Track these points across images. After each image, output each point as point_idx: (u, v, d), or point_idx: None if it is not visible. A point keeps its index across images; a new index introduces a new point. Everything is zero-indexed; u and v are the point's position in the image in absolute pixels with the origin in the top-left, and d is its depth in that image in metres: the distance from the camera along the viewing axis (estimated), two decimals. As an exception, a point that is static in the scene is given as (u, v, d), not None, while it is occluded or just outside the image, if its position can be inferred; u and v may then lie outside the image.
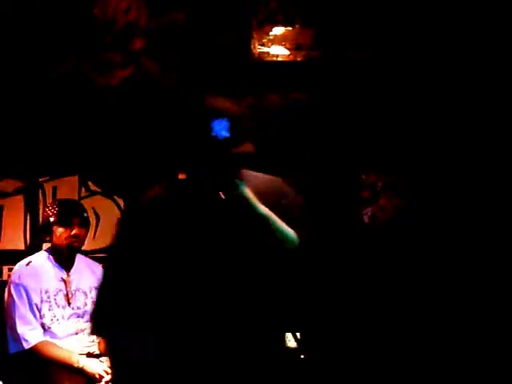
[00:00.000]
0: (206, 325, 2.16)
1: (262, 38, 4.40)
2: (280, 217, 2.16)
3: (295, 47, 4.40)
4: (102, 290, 2.29)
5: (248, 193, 2.12)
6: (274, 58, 4.42)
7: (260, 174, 2.27)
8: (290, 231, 2.17)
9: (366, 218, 4.31)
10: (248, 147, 2.13)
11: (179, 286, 2.17)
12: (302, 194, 2.32)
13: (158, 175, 2.30)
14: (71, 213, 3.66)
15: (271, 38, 4.40)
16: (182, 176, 2.21)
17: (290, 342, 3.44)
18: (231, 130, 2.08)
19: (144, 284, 2.19)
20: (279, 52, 4.42)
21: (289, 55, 4.42)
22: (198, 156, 2.12)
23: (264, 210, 2.14)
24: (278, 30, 4.41)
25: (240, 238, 2.18)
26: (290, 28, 4.40)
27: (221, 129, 2.07)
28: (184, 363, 2.18)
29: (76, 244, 3.64)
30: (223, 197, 2.12)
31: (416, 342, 4.07)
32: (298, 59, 4.40)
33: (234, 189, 2.11)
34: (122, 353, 2.24)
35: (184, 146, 2.15)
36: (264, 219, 2.14)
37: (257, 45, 4.40)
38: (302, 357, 3.47)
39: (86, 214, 3.74)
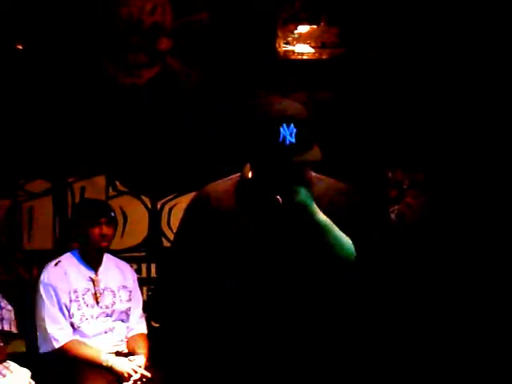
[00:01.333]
0: (260, 330, 2.17)
1: (287, 37, 4.40)
2: (341, 222, 2.13)
3: (320, 45, 4.39)
4: (163, 283, 2.33)
5: (308, 199, 2.09)
6: (299, 57, 4.41)
7: (328, 178, 2.25)
8: (348, 242, 2.14)
9: (392, 216, 4.29)
10: (315, 155, 2.09)
11: (233, 288, 2.18)
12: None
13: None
14: (99, 213, 3.69)
15: (296, 36, 4.40)
16: (247, 174, 2.18)
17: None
18: (298, 136, 2.04)
19: (200, 281, 2.21)
20: (304, 50, 4.42)
21: (314, 53, 4.41)
22: (262, 160, 2.09)
23: (323, 217, 2.11)
24: (302, 29, 4.41)
25: (296, 244, 2.15)
26: (315, 26, 4.40)
27: (288, 134, 2.03)
28: (241, 357, 2.20)
29: (104, 243, 3.67)
30: (280, 201, 2.09)
31: (444, 340, 4.05)
32: (323, 57, 4.39)
33: (294, 194, 2.07)
34: (179, 339, 2.27)
35: (251, 149, 2.12)
36: (322, 227, 2.11)
37: (282, 43, 4.40)
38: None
39: (113, 214, 3.77)
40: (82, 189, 4.41)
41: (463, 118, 4.23)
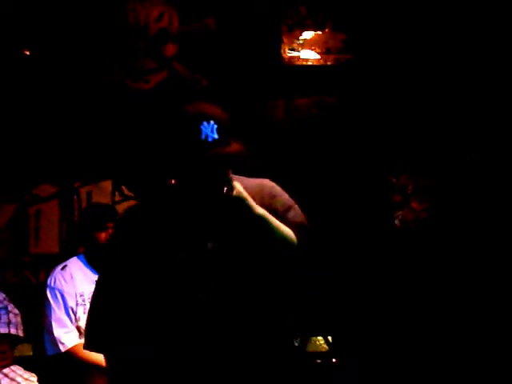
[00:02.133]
0: (208, 330, 2.16)
1: (292, 43, 4.42)
2: (276, 217, 2.16)
3: (325, 51, 4.42)
4: (96, 303, 2.28)
5: (244, 193, 2.13)
6: (304, 63, 4.43)
7: (246, 178, 2.28)
8: (288, 231, 2.18)
9: (397, 222, 4.30)
10: (237, 147, 2.13)
11: (177, 292, 2.17)
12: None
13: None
14: (105, 217, 3.71)
15: (301, 42, 4.42)
16: (171, 181, 2.21)
17: (322, 345, 3.46)
18: (219, 131, 2.09)
19: (140, 292, 2.19)
20: (309, 56, 4.44)
21: (319, 59, 4.43)
22: (188, 159, 2.11)
23: (260, 210, 2.15)
24: (307, 35, 4.43)
25: (238, 238, 2.17)
26: (320, 32, 4.42)
27: (209, 131, 2.08)
28: (186, 372, 2.18)
29: (110, 248, 3.69)
30: (226, 192, 2.11)
31: (451, 344, 4.06)
32: (328, 63, 4.41)
33: (231, 190, 2.10)
34: (122, 366, 2.25)
35: (173, 150, 2.13)
36: (261, 219, 2.14)
37: (287, 49, 4.42)
38: (334, 360, 3.49)
39: (119, 219, 3.79)
40: (89, 193, 4.43)
41: (468, 124, 4.24)
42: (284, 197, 2.29)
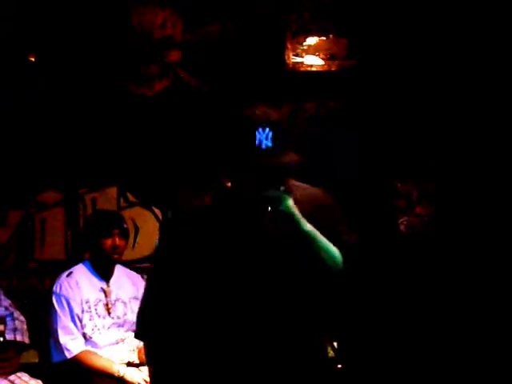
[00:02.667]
0: (248, 337, 2.15)
1: (296, 49, 4.43)
2: (323, 230, 2.11)
3: (329, 57, 4.42)
4: (148, 298, 2.27)
5: (294, 208, 2.07)
6: (308, 68, 4.44)
7: (305, 185, 2.24)
8: (335, 250, 2.13)
9: (401, 227, 4.30)
10: (292, 157, 2.08)
11: (221, 299, 2.15)
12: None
13: (199, 184, 2.29)
14: (111, 224, 3.72)
15: (305, 48, 4.43)
16: (228, 184, 2.19)
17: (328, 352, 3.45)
18: (274, 139, 2.04)
19: (187, 294, 2.17)
20: (313, 62, 4.45)
21: (323, 65, 4.44)
22: (242, 165, 2.08)
23: (309, 227, 2.09)
24: (311, 40, 4.44)
25: (284, 254, 2.13)
26: (324, 38, 4.43)
27: (264, 138, 2.04)
28: (225, 373, 2.18)
29: (116, 255, 3.69)
30: (270, 210, 2.06)
31: (458, 350, 4.05)
32: (332, 69, 4.42)
33: (281, 202, 2.05)
34: (163, 359, 2.25)
35: (228, 155, 2.11)
36: (309, 236, 2.09)
37: (291, 55, 4.43)
38: (339, 366, 3.48)
39: (125, 225, 3.79)
40: (94, 200, 4.44)
41: (474, 129, 4.24)
42: (336, 211, 2.24)
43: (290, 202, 2.07)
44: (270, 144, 2.04)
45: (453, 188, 4.24)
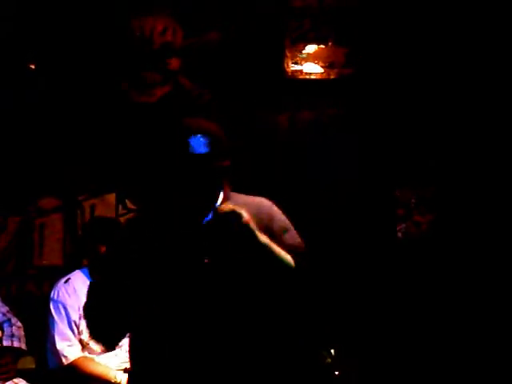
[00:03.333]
0: (202, 342, 2.15)
1: (296, 56, 4.44)
2: (273, 239, 2.15)
3: (328, 65, 4.43)
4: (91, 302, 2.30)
5: (251, 222, 2.09)
6: (308, 76, 4.44)
7: (244, 196, 2.28)
8: (287, 257, 2.16)
9: (399, 234, 4.31)
10: (226, 162, 2.14)
11: (173, 304, 2.18)
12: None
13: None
14: (109, 231, 3.72)
15: (304, 56, 4.44)
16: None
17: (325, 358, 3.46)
18: (209, 146, 2.10)
19: (136, 302, 2.20)
20: (312, 70, 4.45)
21: (322, 73, 4.44)
22: (172, 170, 2.13)
23: (264, 238, 2.12)
24: (310, 48, 4.45)
25: (234, 256, 2.16)
26: (323, 46, 4.43)
27: (198, 145, 2.10)
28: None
29: (113, 262, 3.69)
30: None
31: (454, 355, 4.05)
32: (331, 77, 4.43)
33: (239, 218, 2.06)
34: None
35: (161, 160, 2.16)
36: (264, 248, 2.12)
37: (290, 63, 4.44)
38: (337, 373, 3.49)
39: (123, 232, 3.79)
40: (92, 206, 4.45)
41: (472, 135, 4.25)
42: (281, 218, 2.28)
43: (246, 216, 2.08)
44: (202, 150, 2.09)
45: (451, 194, 4.24)
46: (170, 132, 2.16)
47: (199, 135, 2.11)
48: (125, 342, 3.64)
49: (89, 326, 2.30)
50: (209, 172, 2.12)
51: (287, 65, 4.42)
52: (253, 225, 2.09)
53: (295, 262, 2.17)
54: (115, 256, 2.28)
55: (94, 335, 2.30)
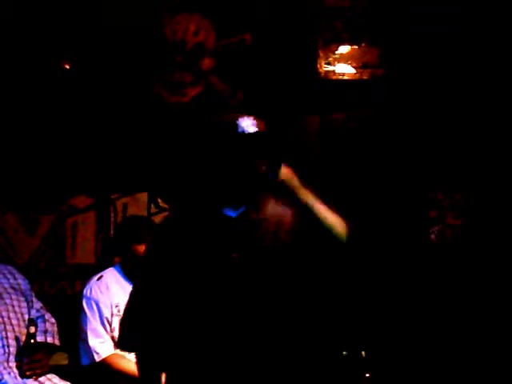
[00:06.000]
0: (236, 337, 2.18)
1: (328, 57, 4.43)
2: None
3: (361, 65, 4.41)
4: (131, 308, 2.34)
5: (290, 176, 2.14)
6: (340, 77, 4.43)
7: (277, 204, 2.28)
8: (338, 220, 2.18)
9: (432, 237, 4.27)
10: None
11: (208, 300, 2.20)
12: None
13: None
14: (142, 229, 3.74)
15: (337, 56, 4.43)
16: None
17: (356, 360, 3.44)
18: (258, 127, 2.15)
19: (173, 301, 2.23)
20: (345, 70, 4.44)
21: (355, 73, 4.43)
22: (225, 149, 2.17)
23: (309, 194, 2.16)
24: (343, 49, 4.43)
25: (266, 249, 2.19)
26: (356, 46, 4.42)
27: (245, 125, 2.16)
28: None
29: (146, 260, 3.71)
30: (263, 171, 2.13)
31: (492, 360, 4.01)
32: (364, 77, 4.41)
33: (278, 172, 2.11)
34: (151, 368, 2.28)
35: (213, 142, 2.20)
36: (308, 204, 2.15)
37: (323, 63, 4.43)
38: (368, 375, 3.47)
39: (155, 231, 3.81)
40: (125, 205, 4.48)
41: (507, 139, 4.21)
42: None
43: (287, 172, 2.14)
44: (252, 130, 2.14)
45: (484, 197, 4.20)
46: (219, 118, 2.20)
47: (247, 118, 2.16)
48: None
49: (124, 335, 2.32)
50: (255, 150, 2.14)
51: (320, 65, 4.42)
52: (293, 179, 2.12)
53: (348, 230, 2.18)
54: (155, 260, 2.28)
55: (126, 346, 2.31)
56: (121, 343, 2.36)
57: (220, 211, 2.22)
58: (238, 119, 2.17)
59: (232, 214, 2.21)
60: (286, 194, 2.14)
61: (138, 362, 2.34)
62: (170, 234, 2.30)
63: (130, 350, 2.43)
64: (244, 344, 2.18)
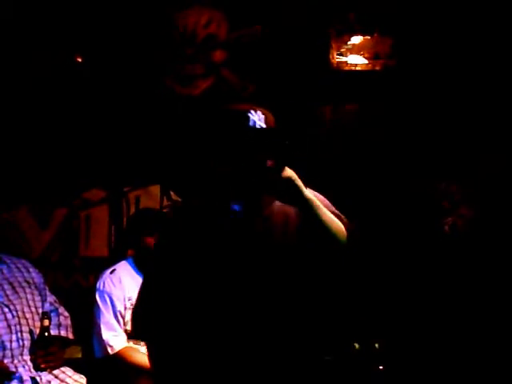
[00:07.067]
0: (245, 327, 2.18)
1: (340, 48, 4.41)
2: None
3: (373, 56, 4.39)
4: (144, 297, 2.33)
5: (294, 176, 2.13)
6: (352, 68, 4.42)
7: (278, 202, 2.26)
8: (339, 223, 2.18)
9: (446, 228, 4.25)
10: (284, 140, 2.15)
11: (220, 290, 2.20)
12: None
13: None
14: (155, 223, 3.74)
15: (349, 47, 4.41)
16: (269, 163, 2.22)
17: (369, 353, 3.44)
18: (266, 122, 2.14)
19: (185, 289, 2.23)
20: (357, 61, 4.42)
21: (367, 64, 4.41)
22: (237, 143, 2.16)
23: (310, 194, 2.15)
24: (356, 40, 4.41)
25: (285, 222, 2.19)
26: (368, 37, 4.40)
27: (256, 119, 2.15)
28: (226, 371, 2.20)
29: (159, 252, 3.71)
30: (269, 165, 2.12)
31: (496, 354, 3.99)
32: (376, 68, 4.39)
33: (281, 170, 2.10)
34: (163, 358, 2.28)
35: (223, 136, 2.19)
36: (311, 204, 2.13)
37: (335, 54, 4.41)
38: (381, 368, 3.47)
39: (168, 223, 3.81)
40: (137, 198, 4.49)
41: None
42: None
43: (291, 171, 2.13)
44: (263, 125, 2.14)
45: (497, 188, 4.18)
46: (230, 110, 2.20)
47: (258, 111, 2.15)
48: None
49: (137, 325, 2.33)
50: (269, 147, 2.13)
51: (332, 56, 4.40)
52: (297, 179, 2.12)
53: (345, 226, 2.18)
54: (167, 250, 2.29)
55: (142, 335, 2.32)
56: (134, 332, 2.36)
57: (228, 204, 2.21)
58: (249, 112, 2.15)
59: (238, 207, 2.21)
60: (289, 194, 2.12)
61: (149, 352, 2.34)
62: (181, 225, 2.30)
63: (142, 339, 2.42)
64: (255, 336, 2.18)
